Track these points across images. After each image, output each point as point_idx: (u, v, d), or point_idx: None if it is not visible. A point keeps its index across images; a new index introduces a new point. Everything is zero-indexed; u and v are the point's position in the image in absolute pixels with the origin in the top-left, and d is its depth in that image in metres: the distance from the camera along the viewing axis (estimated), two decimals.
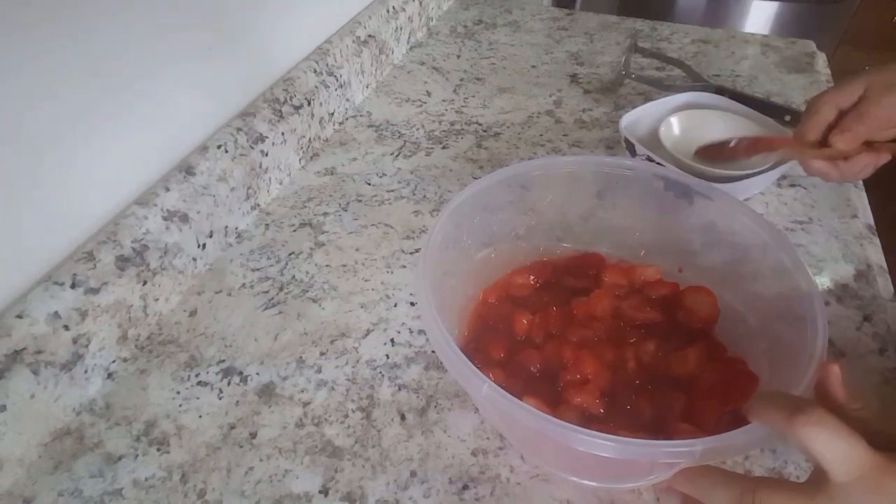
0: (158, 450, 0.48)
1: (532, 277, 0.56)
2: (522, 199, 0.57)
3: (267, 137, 0.69)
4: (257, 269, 0.63)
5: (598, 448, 0.35)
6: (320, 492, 0.45)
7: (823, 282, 0.62)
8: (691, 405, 0.46)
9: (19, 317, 0.46)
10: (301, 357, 0.55)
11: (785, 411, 0.33)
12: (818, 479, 0.33)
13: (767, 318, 0.49)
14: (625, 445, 0.34)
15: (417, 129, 0.84)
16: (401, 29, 1.00)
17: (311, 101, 0.76)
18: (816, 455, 0.32)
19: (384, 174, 0.76)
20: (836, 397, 0.37)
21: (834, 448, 0.31)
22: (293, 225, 0.69)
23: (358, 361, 0.54)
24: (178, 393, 0.52)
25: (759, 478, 0.35)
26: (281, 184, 0.73)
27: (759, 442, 0.35)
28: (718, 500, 0.35)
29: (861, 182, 0.76)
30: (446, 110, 0.89)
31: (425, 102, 0.90)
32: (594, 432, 0.34)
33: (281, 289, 0.61)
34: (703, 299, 0.53)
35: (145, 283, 0.54)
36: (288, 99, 0.73)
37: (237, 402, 0.51)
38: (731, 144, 0.66)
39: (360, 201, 0.72)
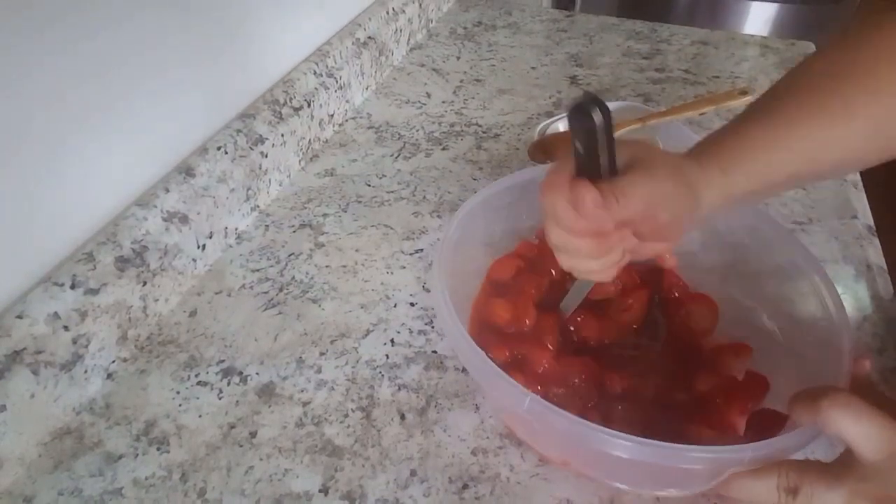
0: (158, 449, 0.48)
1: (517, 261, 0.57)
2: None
3: (267, 139, 0.69)
4: (257, 270, 0.63)
5: (654, 456, 0.34)
6: (320, 491, 0.45)
7: None
8: (708, 416, 0.46)
9: (19, 317, 0.46)
10: (301, 357, 0.55)
11: (809, 400, 0.34)
12: (848, 459, 0.33)
13: (781, 316, 0.49)
14: (682, 452, 0.34)
15: (417, 131, 0.84)
16: (400, 31, 1.00)
17: (311, 103, 0.76)
18: (844, 436, 0.32)
19: (384, 175, 0.76)
20: (867, 382, 0.38)
21: (861, 428, 0.32)
22: (293, 226, 0.69)
23: (358, 361, 0.54)
24: (178, 393, 0.52)
25: (789, 462, 0.35)
26: (281, 185, 0.74)
27: (805, 443, 0.35)
28: (759, 494, 0.35)
29: (861, 182, 0.76)
30: (446, 112, 0.89)
31: (425, 104, 0.90)
32: (651, 441, 0.34)
33: (281, 289, 0.61)
34: (705, 311, 0.53)
35: (145, 283, 0.54)
36: (288, 100, 0.74)
37: (237, 401, 0.51)
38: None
39: (359, 202, 0.72)
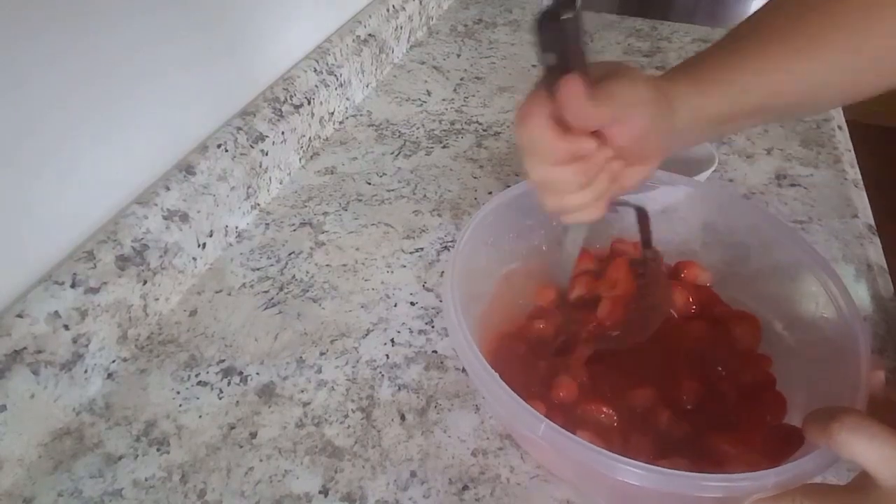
0: (158, 450, 0.48)
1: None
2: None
3: (267, 136, 0.69)
4: (257, 269, 0.63)
5: (675, 485, 0.34)
6: (320, 492, 0.45)
7: None
8: (729, 430, 0.45)
9: (19, 316, 0.46)
10: (301, 357, 0.55)
11: (820, 423, 0.33)
12: (864, 483, 0.32)
13: (791, 319, 0.49)
14: (700, 481, 0.34)
15: (417, 129, 0.84)
16: (401, 28, 0.99)
17: (312, 101, 0.76)
18: (858, 460, 0.31)
19: (384, 173, 0.76)
20: (884, 396, 0.37)
21: (874, 451, 0.31)
22: (293, 224, 0.68)
23: (358, 361, 0.54)
24: (178, 393, 0.52)
25: (802, 487, 0.34)
26: (281, 183, 0.73)
27: (828, 465, 0.34)
28: None
29: (861, 182, 0.76)
30: (446, 109, 0.88)
31: (425, 102, 0.90)
32: (669, 471, 0.34)
33: (281, 288, 0.61)
34: (748, 329, 0.51)
35: (145, 282, 0.54)
36: (288, 98, 0.73)
37: (237, 402, 0.51)
38: None
39: (360, 201, 0.72)
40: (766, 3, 0.42)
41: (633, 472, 0.34)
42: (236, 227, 0.67)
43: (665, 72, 0.41)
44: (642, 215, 0.50)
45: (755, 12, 0.42)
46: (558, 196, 0.39)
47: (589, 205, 0.39)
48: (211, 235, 0.62)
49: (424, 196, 0.73)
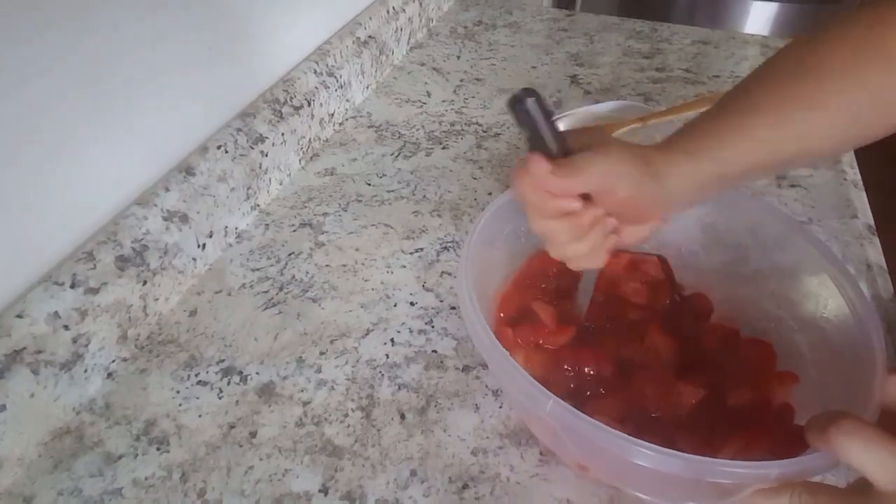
0: (158, 449, 0.48)
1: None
2: None
3: (267, 138, 0.69)
4: (257, 269, 0.63)
5: (676, 467, 0.34)
6: (320, 491, 0.45)
7: None
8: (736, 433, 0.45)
9: (19, 316, 0.46)
10: (301, 357, 0.55)
11: (820, 427, 0.33)
12: (863, 486, 0.32)
13: (801, 319, 0.48)
14: (711, 466, 0.34)
15: (417, 130, 0.84)
16: (401, 30, 1.00)
17: (312, 102, 0.76)
18: (856, 465, 0.31)
19: (384, 174, 0.76)
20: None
21: (872, 456, 0.31)
22: (293, 225, 0.69)
23: (358, 361, 0.54)
24: (178, 392, 0.52)
25: (804, 482, 0.34)
26: (281, 184, 0.74)
27: (836, 463, 0.34)
28: None
29: (861, 182, 0.76)
30: (446, 111, 0.89)
31: (425, 103, 0.90)
32: (674, 452, 0.34)
33: (281, 289, 0.61)
34: (760, 356, 0.51)
35: (145, 283, 0.54)
36: (288, 99, 0.73)
37: (237, 401, 0.51)
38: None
39: (359, 201, 0.72)
40: (757, 70, 0.42)
41: (645, 454, 0.34)
42: (236, 228, 0.67)
43: (661, 141, 0.43)
44: (664, 264, 0.54)
45: (748, 77, 0.43)
46: (558, 246, 0.43)
47: (587, 254, 0.43)
48: (211, 236, 0.62)
49: (424, 197, 0.73)
